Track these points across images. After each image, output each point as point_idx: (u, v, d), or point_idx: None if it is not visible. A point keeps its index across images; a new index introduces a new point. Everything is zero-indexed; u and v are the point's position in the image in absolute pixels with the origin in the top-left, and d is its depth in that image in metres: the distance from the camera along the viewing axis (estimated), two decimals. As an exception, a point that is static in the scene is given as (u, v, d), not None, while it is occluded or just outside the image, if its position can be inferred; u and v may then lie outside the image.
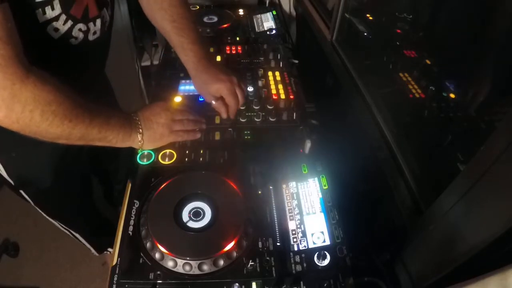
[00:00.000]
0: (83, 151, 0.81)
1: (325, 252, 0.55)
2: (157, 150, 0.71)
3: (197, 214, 0.60)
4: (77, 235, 1.05)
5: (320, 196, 0.65)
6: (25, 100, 0.48)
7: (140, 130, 0.66)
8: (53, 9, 0.54)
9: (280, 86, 0.92)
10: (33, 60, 0.52)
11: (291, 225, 0.60)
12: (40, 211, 0.90)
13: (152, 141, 0.69)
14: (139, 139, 0.67)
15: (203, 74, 0.77)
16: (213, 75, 0.77)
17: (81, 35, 0.61)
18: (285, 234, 0.59)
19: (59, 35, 0.57)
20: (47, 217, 0.94)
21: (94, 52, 0.71)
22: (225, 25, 1.20)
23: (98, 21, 0.64)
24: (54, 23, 0.56)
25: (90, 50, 0.66)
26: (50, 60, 0.57)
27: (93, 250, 1.16)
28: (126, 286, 0.52)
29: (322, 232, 0.59)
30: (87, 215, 1.03)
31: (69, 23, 0.58)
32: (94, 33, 0.64)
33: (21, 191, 0.82)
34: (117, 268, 0.54)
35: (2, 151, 0.72)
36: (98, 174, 1.06)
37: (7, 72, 0.46)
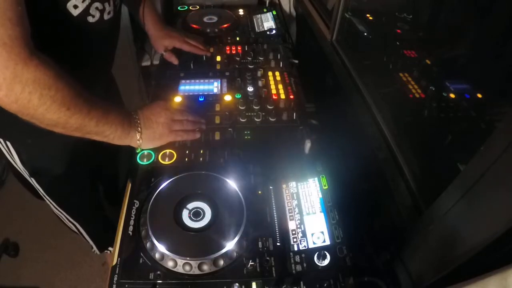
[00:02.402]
0: (92, 146, 0.82)
1: (325, 252, 0.55)
2: (157, 150, 0.71)
3: (197, 214, 0.60)
4: (81, 229, 1.05)
5: (320, 196, 0.65)
6: (25, 81, 0.49)
7: (139, 129, 0.67)
8: None
9: (280, 86, 0.92)
10: (53, 40, 0.56)
11: (291, 225, 0.60)
12: (50, 201, 0.91)
13: (151, 140, 0.69)
14: (138, 137, 0.67)
15: (159, 32, 0.99)
16: (166, 33, 1.00)
17: (98, 14, 0.64)
18: (285, 234, 0.59)
19: (78, 12, 0.60)
20: (55, 209, 0.94)
21: (109, 32, 0.74)
22: (225, 25, 1.20)
23: (111, 2, 0.67)
24: (74, 0, 0.58)
25: (105, 30, 0.70)
26: (70, 38, 0.62)
27: (94, 248, 1.16)
28: (126, 286, 0.52)
29: (322, 232, 0.59)
30: (93, 210, 1.04)
31: (87, 0, 0.61)
32: (109, 13, 0.67)
33: (33, 180, 0.83)
34: (117, 268, 0.54)
35: (18, 138, 0.74)
36: (100, 171, 1.06)
37: (12, 52, 0.47)
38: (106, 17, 0.67)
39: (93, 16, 0.63)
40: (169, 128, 0.71)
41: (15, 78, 0.48)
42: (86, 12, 0.61)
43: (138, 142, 0.67)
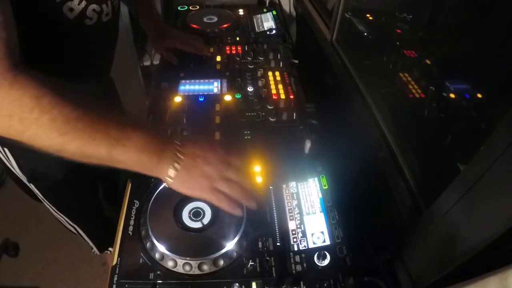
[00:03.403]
0: None
1: (325, 252, 0.55)
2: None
3: (197, 214, 0.60)
4: (81, 232, 1.05)
5: (320, 196, 0.65)
6: (0, 103, 0.42)
7: (177, 166, 0.51)
8: None
9: (280, 86, 0.92)
10: (49, 44, 0.52)
11: (291, 225, 0.60)
12: (49, 205, 0.91)
13: (184, 185, 0.53)
14: (172, 175, 0.51)
15: (159, 32, 0.99)
16: (166, 33, 1.00)
17: (95, 16, 0.62)
18: (285, 234, 0.59)
19: (74, 15, 0.58)
20: (54, 212, 0.94)
21: (108, 34, 0.72)
22: (225, 25, 1.20)
23: (109, 3, 0.66)
24: (69, 3, 0.56)
25: (104, 32, 0.68)
26: (67, 42, 0.58)
27: (95, 249, 1.16)
28: (126, 286, 0.52)
29: (322, 232, 0.59)
30: (93, 212, 1.03)
31: (83, 3, 0.59)
32: (107, 14, 0.66)
33: (32, 185, 0.82)
34: (117, 268, 0.54)
35: (15, 143, 0.72)
36: (100, 172, 1.06)
37: None
38: (104, 19, 0.65)
39: (91, 19, 0.62)
40: (213, 184, 0.53)
41: None
42: (82, 15, 0.60)
43: (169, 179, 0.52)
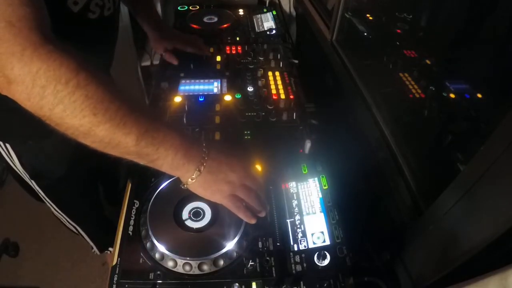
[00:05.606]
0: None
1: (325, 252, 0.55)
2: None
3: (197, 214, 0.60)
4: (81, 231, 1.05)
5: (320, 196, 0.65)
6: (36, 72, 0.40)
7: (201, 168, 0.52)
8: None
9: (280, 86, 0.92)
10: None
11: (291, 225, 0.60)
12: (50, 203, 0.91)
13: (204, 187, 0.54)
14: (194, 175, 0.52)
15: (159, 33, 0.99)
16: (166, 34, 1.00)
17: (98, 10, 0.62)
18: (285, 234, 0.59)
19: (78, 8, 0.58)
20: (55, 211, 0.94)
21: (109, 29, 0.72)
22: (225, 25, 1.20)
23: None
24: None
25: (106, 26, 0.68)
26: (70, 36, 0.55)
27: (95, 248, 1.16)
28: (126, 286, 0.52)
29: (322, 232, 0.59)
30: (93, 211, 1.04)
31: None
32: (109, 8, 0.66)
33: (33, 182, 0.82)
34: (117, 268, 0.54)
35: (18, 140, 0.72)
36: (100, 171, 1.06)
37: (19, 35, 0.40)
38: (106, 13, 0.66)
39: (94, 13, 0.62)
40: (232, 191, 0.55)
41: (23, 68, 0.40)
42: (86, 8, 0.60)
43: (190, 180, 0.52)
